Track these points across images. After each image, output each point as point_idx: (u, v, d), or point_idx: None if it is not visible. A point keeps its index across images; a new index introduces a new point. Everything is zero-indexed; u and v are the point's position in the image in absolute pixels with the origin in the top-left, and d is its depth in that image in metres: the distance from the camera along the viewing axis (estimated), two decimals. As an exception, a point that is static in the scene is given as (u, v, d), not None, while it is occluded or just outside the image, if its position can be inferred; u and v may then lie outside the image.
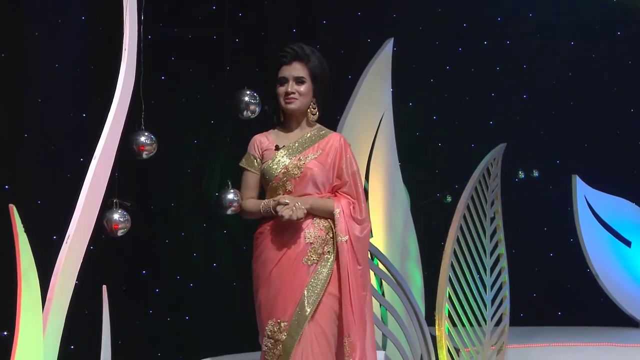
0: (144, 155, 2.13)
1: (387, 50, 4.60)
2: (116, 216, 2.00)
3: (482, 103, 6.68)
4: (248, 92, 2.63)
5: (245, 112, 2.70)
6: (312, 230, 2.49)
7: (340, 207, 2.50)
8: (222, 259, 5.81)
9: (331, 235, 2.49)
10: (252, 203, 2.55)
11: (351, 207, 2.51)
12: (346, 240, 2.47)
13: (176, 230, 5.56)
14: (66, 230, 4.36)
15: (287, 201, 2.42)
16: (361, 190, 2.58)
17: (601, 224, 6.10)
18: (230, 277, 5.79)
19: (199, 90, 5.84)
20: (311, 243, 2.47)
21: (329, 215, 2.50)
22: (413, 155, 6.08)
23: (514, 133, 6.45)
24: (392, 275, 3.74)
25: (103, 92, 4.95)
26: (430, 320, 4.27)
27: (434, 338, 4.04)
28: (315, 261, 2.45)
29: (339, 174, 2.55)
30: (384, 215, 4.48)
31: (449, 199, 5.61)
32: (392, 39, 4.67)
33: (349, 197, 2.53)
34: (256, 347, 2.75)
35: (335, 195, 2.55)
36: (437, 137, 6.72)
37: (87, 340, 3.48)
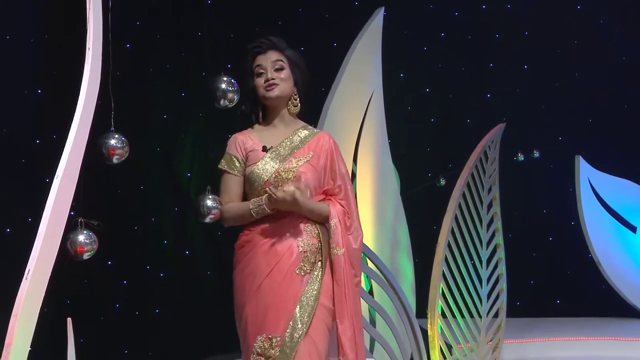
0: (115, 160, 2.09)
1: (377, 22, 4.56)
2: (81, 238, 1.96)
3: (479, 74, 6.70)
4: (225, 79, 2.60)
5: (222, 101, 2.68)
6: (305, 237, 2.47)
7: (336, 216, 2.51)
8: (195, 246, 5.81)
9: (321, 242, 2.49)
10: (236, 206, 2.51)
11: (346, 217, 2.52)
12: (342, 253, 2.48)
13: (145, 215, 5.53)
14: (19, 222, 4.33)
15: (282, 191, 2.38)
16: (352, 195, 2.59)
17: (605, 207, 6.22)
18: (204, 266, 5.80)
19: (168, 59, 5.76)
20: (304, 252, 2.46)
21: (323, 220, 2.51)
22: (403, 131, 6.10)
23: (514, 107, 6.51)
24: (381, 273, 3.78)
25: (60, 65, 4.90)
26: (421, 312, 4.35)
27: (424, 332, 4.11)
28: (309, 271, 2.45)
29: (332, 177, 2.56)
30: (373, 202, 4.50)
31: (442, 182, 5.66)
32: (383, 8, 4.63)
33: (342, 203, 2.54)
34: (233, 346, 2.77)
35: (329, 200, 2.55)
36: (429, 112, 6.74)
37: (46, 341, 3.48)
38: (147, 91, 5.56)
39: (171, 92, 5.80)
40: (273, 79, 2.53)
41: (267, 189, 2.44)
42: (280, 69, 2.55)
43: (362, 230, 2.58)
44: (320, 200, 2.55)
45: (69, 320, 2.39)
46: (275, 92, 2.54)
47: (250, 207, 2.47)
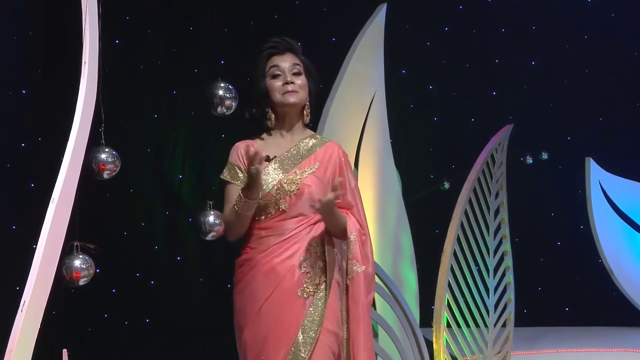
0: (105, 176, 2.06)
1: (379, 19, 4.53)
2: (77, 263, 1.92)
3: (485, 71, 6.67)
4: (222, 85, 2.56)
5: (219, 108, 2.64)
6: (309, 257, 2.40)
7: (355, 230, 2.42)
8: (187, 251, 5.78)
9: (326, 262, 2.45)
10: (227, 212, 2.43)
11: (361, 234, 2.45)
12: (363, 271, 2.40)
13: (134, 220, 5.50)
14: (3, 230, 4.29)
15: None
16: (363, 211, 2.53)
17: (616, 211, 6.21)
18: (197, 273, 5.77)
19: (159, 54, 5.72)
20: (307, 272, 2.39)
21: (339, 232, 2.43)
22: (405, 131, 6.06)
23: (520, 106, 6.49)
24: (383, 283, 3.76)
25: (46, 63, 4.86)
26: (424, 321, 4.33)
27: (429, 344, 4.09)
28: (312, 293, 2.38)
29: (342, 191, 2.47)
30: (375, 208, 4.48)
31: (446, 185, 5.64)
32: (385, 5, 4.59)
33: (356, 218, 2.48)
34: (227, 356, 2.74)
35: (344, 211, 2.47)
36: (432, 110, 6.71)
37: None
38: (136, 89, 5.52)
39: (162, 90, 5.76)
40: (292, 82, 2.46)
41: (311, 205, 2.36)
42: (299, 74, 2.48)
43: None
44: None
45: (64, 352, 2.34)
46: (293, 99, 2.46)
47: (236, 207, 2.37)
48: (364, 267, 2.42)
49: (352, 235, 2.43)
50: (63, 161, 1.90)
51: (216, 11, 5.73)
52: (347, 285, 2.43)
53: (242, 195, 2.36)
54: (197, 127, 5.81)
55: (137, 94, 5.52)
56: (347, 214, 2.48)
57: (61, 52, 4.58)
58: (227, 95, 2.70)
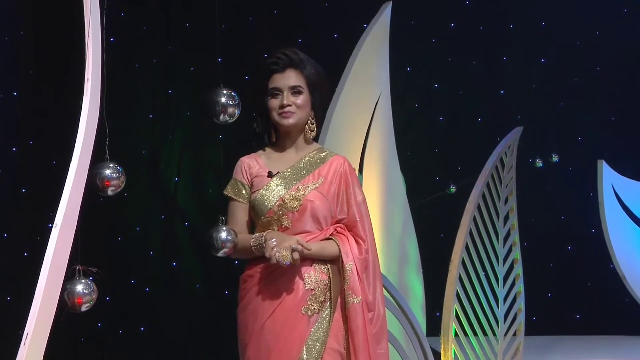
0: (110, 192, 2.06)
1: (384, 18, 4.53)
2: (80, 288, 1.92)
3: (492, 69, 6.70)
4: (225, 92, 2.58)
5: (222, 116, 2.64)
6: (313, 274, 2.43)
7: (352, 259, 2.44)
8: (184, 257, 5.81)
9: (331, 279, 2.48)
10: (242, 240, 2.43)
11: (362, 251, 2.46)
12: (359, 302, 2.43)
13: (130, 225, 5.53)
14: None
15: (274, 241, 2.35)
16: (368, 226, 2.54)
17: (629, 215, 6.24)
18: (193, 279, 5.80)
19: (155, 53, 5.74)
20: (312, 290, 2.41)
21: (333, 259, 2.46)
22: (409, 130, 6.09)
23: (529, 105, 6.52)
24: (389, 293, 3.78)
25: (38, 64, 4.88)
26: (430, 330, 4.36)
27: (436, 354, 4.11)
28: (317, 311, 2.41)
29: (348, 206, 2.51)
30: (380, 215, 4.49)
31: (453, 189, 5.66)
32: (390, 3, 4.61)
33: (359, 236, 2.49)
34: None
35: (341, 235, 2.49)
36: (438, 109, 6.74)
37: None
38: (132, 88, 5.54)
39: (158, 89, 5.78)
40: (289, 105, 2.50)
41: (262, 240, 2.39)
42: (299, 94, 2.52)
43: (378, 260, 2.55)
44: (332, 235, 2.50)
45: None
46: (290, 121, 2.51)
47: (251, 244, 2.44)
48: (361, 297, 2.45)
49: (349, 264, 2.46)
50: (66, 184, 1.92)
51: (214, 8, 5.76)
52: (346, 317, 2.45)
53: (260, 243, 2.41)
54: (194, 128, 5.84)
55: (132, 93, 5.54)
56: (345, 235, 2.51)
57: (54, 53, 4.60)
58: (230, 102, 2.70)
